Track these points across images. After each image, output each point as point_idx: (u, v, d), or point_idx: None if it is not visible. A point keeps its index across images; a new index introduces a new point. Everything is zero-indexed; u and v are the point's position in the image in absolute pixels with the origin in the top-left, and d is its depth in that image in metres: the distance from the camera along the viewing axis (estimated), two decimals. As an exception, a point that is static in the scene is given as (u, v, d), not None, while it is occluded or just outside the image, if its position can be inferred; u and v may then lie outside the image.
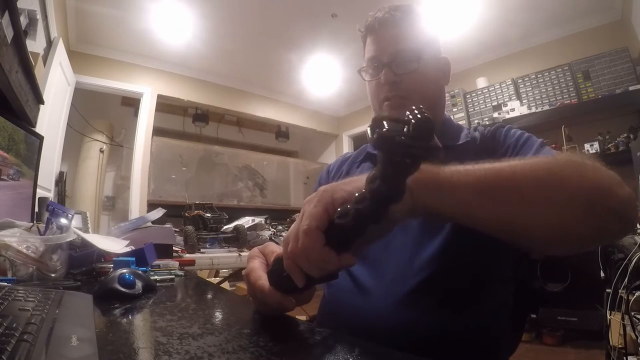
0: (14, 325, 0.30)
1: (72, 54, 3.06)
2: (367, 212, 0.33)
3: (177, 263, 1.07)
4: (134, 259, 0.82)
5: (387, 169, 0.30)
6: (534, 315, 2.51)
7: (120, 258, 0.82)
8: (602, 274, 1.78)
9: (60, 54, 2.46)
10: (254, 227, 2.14)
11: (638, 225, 1.56)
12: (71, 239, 0.80)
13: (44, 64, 2.19)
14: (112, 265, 0.81)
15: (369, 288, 0.62)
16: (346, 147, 5.16)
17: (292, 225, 0.41)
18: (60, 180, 2.89)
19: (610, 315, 1.55)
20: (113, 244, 1.03)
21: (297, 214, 0.44)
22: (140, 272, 0.68)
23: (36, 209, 1.40)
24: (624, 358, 1.44)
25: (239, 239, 1.84)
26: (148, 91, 3.71)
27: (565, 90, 3.01)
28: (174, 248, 1.55)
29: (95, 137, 4.11)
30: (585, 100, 2.88)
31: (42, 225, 0.82)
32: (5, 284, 0.53)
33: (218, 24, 3.12)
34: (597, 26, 3.02)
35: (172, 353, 0.33)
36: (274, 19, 3.08)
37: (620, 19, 2.88)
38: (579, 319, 2.43)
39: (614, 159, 2.59)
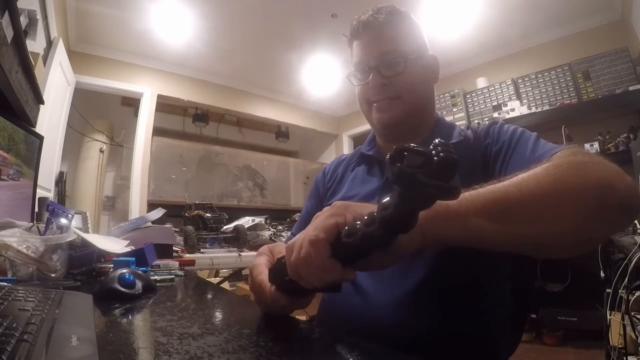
0: (14, 325, 0.30)
1: (72, 54, 3.06)
2: (374, 236, 0.33)
3: (177, 263, 1.07)
4: (134, 259, 0.82)
5: (402, 202, 0.30)
6: (534, 315, 2.51)
7: (120, 258, 0.82)
8: (602, 274, 1.78)
9: (60, 54, 2.46)
10: (254, 227, 2.14)
11: (638, 225, 1.57)
12: (71, 239, 0.80)
13: (44, 64, 2.19)
14: (112, 265, 0.81)
15: (367, 289, 0.62)
16: (346, 147, 5.15)
17: (299, 234, 0.41)
18: (60, 180, 2.88)
19: (610, 315, 1.55)
20: (113, 244, 1.03)
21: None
22: (140, 272, 0.68)
23: (36, 209, 1.40)
24: (624, 358, 1.44)
25: (239, 239, 1.84)
26: (148, 91, 3.71)
27: (565, 90, 3.01)
28: (174, 248, 1.55)
29: (95, 137, 4.11)
30: (585, 100, 2.88)
31: (42, 225, 0.82)
32: (5, 284, 0.53)
33: (218, 24, 3.12)
34: (597, 26, 3.02)
35: (172, 353, 0.33)
36: (274, 19, 3.08)
37: (620, 19, 2.88)
38: (579, 319, 2.43)
39: (614, 159, 2.51)
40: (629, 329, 1.39)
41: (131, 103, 4.19)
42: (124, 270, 0.63)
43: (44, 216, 0.91)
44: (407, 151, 0.29)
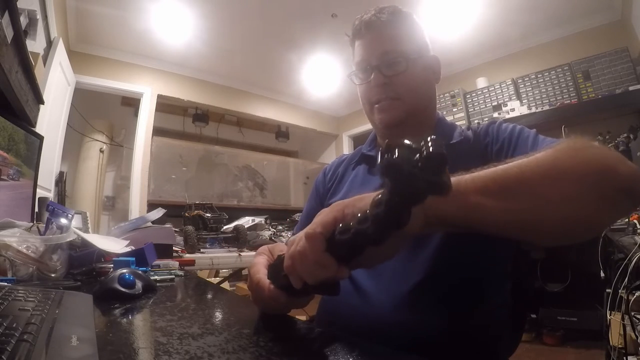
0: (14, 325, 0.30)
1: (72, 54, 3.06)
2: (366, 234, 0.33)
3: (177, 263, 1.07)
4: (134, 259, 0.82)
5: (393, 197, 0.30)
6: (534, 315, 2.51)
7: (120, 258, 0.82)
8: (602, 274, 1.78)
9: (60, 54, 2.46)
10: (254, 227, 2.14)
11: (638, 225, 1.57)
12: (71, 239, 0.80)
13: (44, 64, 2.19)
14: (112, 265, 0.81)
15: (367, 289, 0.62)
16: (346, 147, 5.15)
17: (300, 232, 0.41)
18: (60, 180, 2.88)
19: (610, 315, 1.55)
20: (113, 244, 1.03)
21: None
22: (140, 272, 0.68)
23: (36, 209, 1.40)
24: (624, 358, 1.44)
25: (239, 239, 1.84)
26: (148, 91, 3.71)
27: (565, 90, 3.01)
28: (174, 248, 1.55)
29: (95, 137, 4.11)
30: (585, 100, 2.88)
31: (42, 225, 0.82)
32: (5, 284, 0.53)
33: (218, 24, 3.12)
34: (597, 26, 3.02)
35: (172, 353, 0.33)
36: (274, 19, 3.08)
37: (620, 19, 2.88)
38: (579, 319, 2.43)
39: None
40: (629, 329, 1.39)
41: (131, 103, 4.19)
42: (124, 270, 0.63)
43: (44, 216, 0.91)
44: (398, 146, 0.29)
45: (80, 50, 3.29)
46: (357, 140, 5.09)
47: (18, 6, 1.18)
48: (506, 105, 3.27)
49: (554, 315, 2.51)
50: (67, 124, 2.87)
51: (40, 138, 1.42)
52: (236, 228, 1.90)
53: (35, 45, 1.92)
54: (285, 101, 4.73)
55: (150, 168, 3.63)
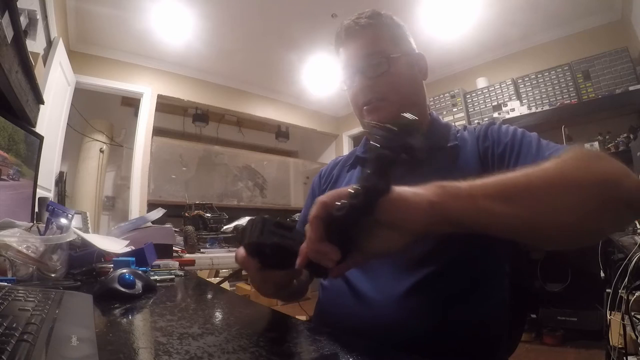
0: (14, 325, 0.30)
1: (72, 54, 3.06)
2: (358, 205, 0.37)
3: (177, 263, 1.07)
4: (134, 259, 0.82)
5: (371, 163, 0.37)
6: (534, 315, 2.51)
7: (120, 258, 0.82)
8: (602, 274, 1.78)
9: (60, 54, 2.46)
10: (254, 227, 2.13)
11: (638, 225, 1.56)
12: (71, 239, 0.80)
13: (44, 64, 2.19)
14: (112, 265, 0.81)
15: (363, 290, 0.62)
16: (346, 147, 5.15)
17: None
18: (60, 180, 2.88)
19: (610, 315, 1.55)
20: (113, 244, 1.03)
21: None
22: (140, 272, 0.68)
23: (36, 209, 1.40)
24: (624, 358, 1.44)
25: (239, 239, 1.84)
26: (148, 91, 3.71)
27: (565, 90, 3.01)
28: (174, 248, 1.55)
29: (95, 137, 4.11)
30: (585, 100, 2.88)
31: (42, 225, 0.82)
32: (5, 284, 0.53)
33: (218, 24, 3.12)
34: (597, 26, 3.02)
35: (172, 353, 0.33)
36: (274, 19, 3.08)
37: (620, 19, 2.88)
38: (579, 319, 2.43)
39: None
40: (629, 329, 1.39)
41: (131, 103, 4.19)
42: (124, 270, 0.63)
43: (44, 216, 0.91)
44: (375, 126, 0.39)
45: (80, 50, 3.29)
46: (357, 140, 5.09)
47: (18, 6, 1.18)
48: (506, 105, 3.27)
49: (554, 315, 2.51)
50: (67, 124, 2.87)
51: (40, 138, 1.42)
52: (236, 228, 1.90)
53: (35, 45, 1.92)
54: (285, 101, 4.73)
55: (150, 168, 3.63)
